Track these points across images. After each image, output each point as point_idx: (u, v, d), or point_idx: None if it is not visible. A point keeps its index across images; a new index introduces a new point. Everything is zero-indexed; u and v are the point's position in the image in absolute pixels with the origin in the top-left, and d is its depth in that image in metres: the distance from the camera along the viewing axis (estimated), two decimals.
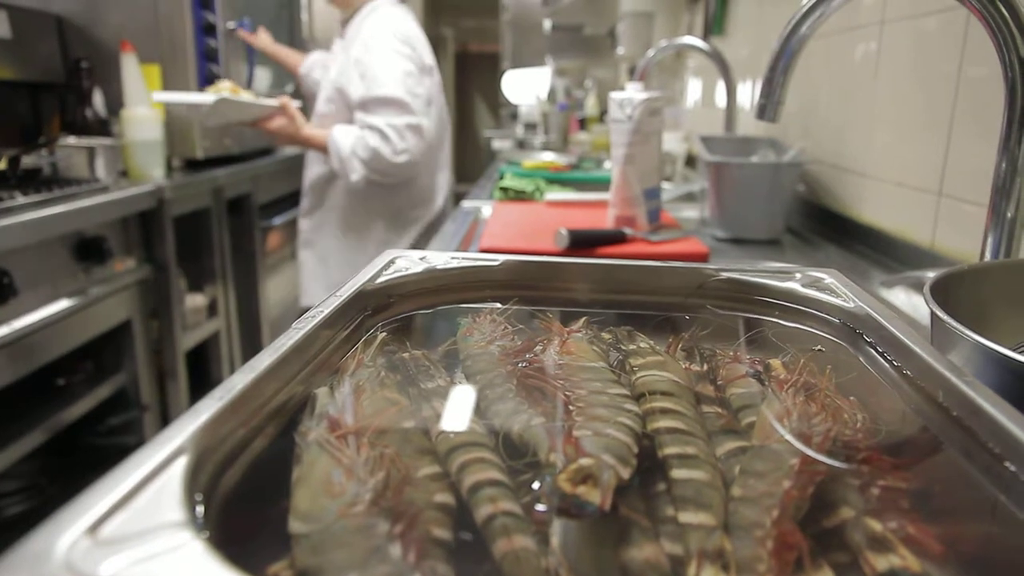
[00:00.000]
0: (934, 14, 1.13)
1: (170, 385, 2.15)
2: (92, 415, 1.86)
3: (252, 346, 2.75)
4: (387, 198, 2.12)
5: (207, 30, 2.32)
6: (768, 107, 0.95)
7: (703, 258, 1.21)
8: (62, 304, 1.66)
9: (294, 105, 1.96)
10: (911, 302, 1.04)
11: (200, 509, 0.30)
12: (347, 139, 1.92)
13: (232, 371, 2.43)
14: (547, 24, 4.60)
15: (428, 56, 2.10)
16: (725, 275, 0.61)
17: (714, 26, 2.54)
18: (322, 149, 1.97)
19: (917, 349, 0.46)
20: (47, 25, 2.17)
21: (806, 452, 0.37)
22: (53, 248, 1.66)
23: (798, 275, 0.61)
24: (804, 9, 0.88)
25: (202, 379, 2.44)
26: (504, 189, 1.78)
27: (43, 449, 1.67)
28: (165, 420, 2.14)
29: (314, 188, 2.18)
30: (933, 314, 0.55)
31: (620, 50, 3.46)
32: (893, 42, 1.28)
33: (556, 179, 2.05)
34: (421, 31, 2.13)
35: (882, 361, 0.49)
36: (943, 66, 1.11)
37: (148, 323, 2.04)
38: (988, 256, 0.81)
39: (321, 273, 2.21)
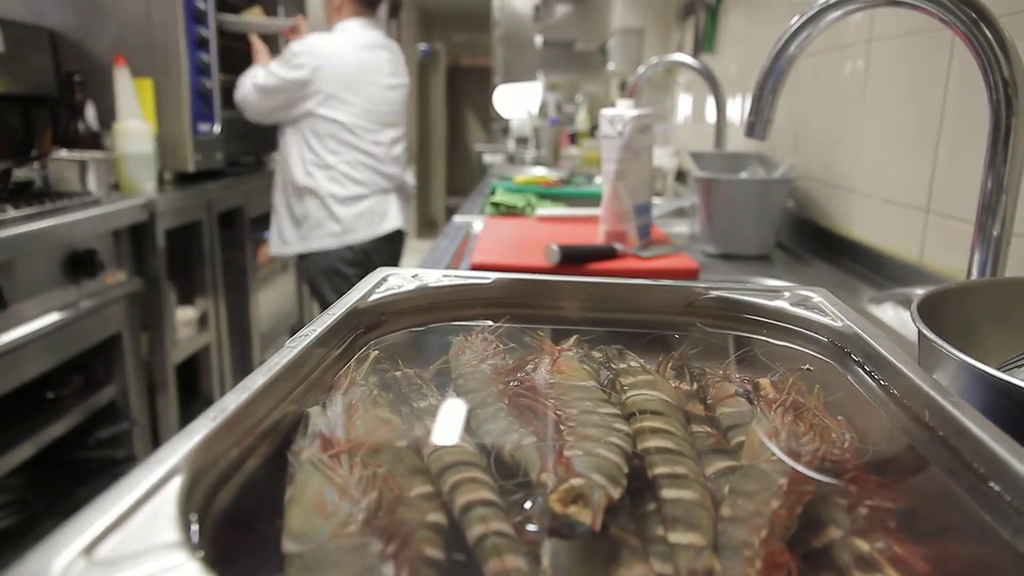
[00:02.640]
0: (920, 33, 1.15)
1: (160, 398, 2.14)
2: (81, 428, 1.85)
3: (242, 359, 2.74)
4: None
5: (200, 44, 2.33)
6: (757, 125, 0.96)
7: (693, 274, 1.22)
8: (52, 317, 1.65)
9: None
10: (899, 318, 1.04)
11: (195, 529, 0.31)
12: (250, 71, 2.45)
13: (222, 385, 2.43)
14: (538, 40, 4.63)
15: (333, 76, 2.38)
16: (714, 293, 0.61)
17: (704, 43, 2.57)
18: None
19: (903, 368, 0.46)
20: (40, 39, 2.17)
21: (794, 472, 0.37)
22: (44, 261, 1.66)
23: (787, 294, 0.62)
24: (792, 29, 0.89)
25: (192, 392, 2.43)
26: (495, 204, 1.79)
27: (30, 462, 1.66)
28: (155, 434, 2.13)
29: None
30: (920, 332, 0.56)
31: (611, 66, 3.49)
32: (880, 60, 1.30)
33: (547, 194, 2.06)
34: (371, 51, 2.47)
35: (869, 380, 0.50)
36: (930, 84, 1.12)
37: (138, 336, 2.03)
38: (975, 273, 0.82)
39: None
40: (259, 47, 2.55)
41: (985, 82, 0.77)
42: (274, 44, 2.92)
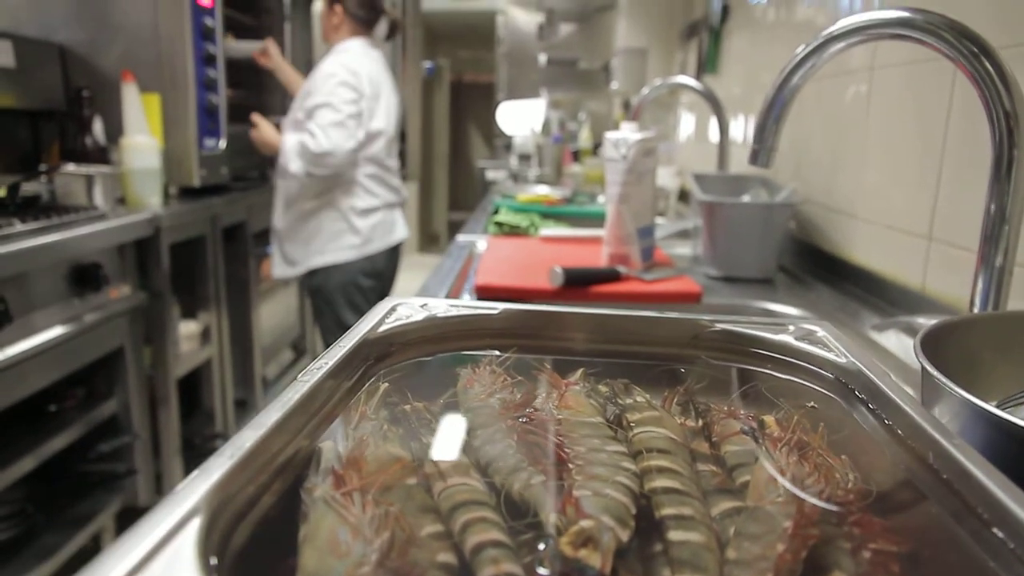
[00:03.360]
0: (923, 62, 1.16)
1: (162, 412, 2.14)
2: (82, 442, 1.85)
3: (244, 373, 2.74)
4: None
5: (207, 60, 2.35)
6: (761, 154, 0.96)
7: (696, 297, 1.22)
8: (56, 331, 1.66)
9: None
10: (903, 345, 1.05)
11: (215, 571, 0.31)
12: (290, 140, 2.34)
13: (224, 399, 2.42)
14: (542, 58, 4.66)
15: (368, 86, 2.41)
16: (720, 327, 0.62)
17: (707, 64, 2.58)
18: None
19: (907, 408, 0.47)
20: (50, 54, 2.19)
21: (799, 515, 0.38)
22: (49, 275, 1.67)
23: (791, 327, 0.62)
24: (796, 60, 0.90)
25: (193, 406, 2.44)
26: (499, 224, 1.80)
27: (31, 475, 1.66)
28: (156, 448, 2.13)
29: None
30: (923, 368, 0.56)
31: (614, 84, 3.51)
32: (883, 87, 1.31)
33: (550, 213, 2.07)
34: (380, 68, 2.53)
35: (872, 419, 0.50)
36: (932, 111, 1.13)
37: (141, 350, 2.04)
38: (978, 302, 0.82)
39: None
40: (260, 120, 2.43)
41: (987, 114, 0.77)
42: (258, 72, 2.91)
